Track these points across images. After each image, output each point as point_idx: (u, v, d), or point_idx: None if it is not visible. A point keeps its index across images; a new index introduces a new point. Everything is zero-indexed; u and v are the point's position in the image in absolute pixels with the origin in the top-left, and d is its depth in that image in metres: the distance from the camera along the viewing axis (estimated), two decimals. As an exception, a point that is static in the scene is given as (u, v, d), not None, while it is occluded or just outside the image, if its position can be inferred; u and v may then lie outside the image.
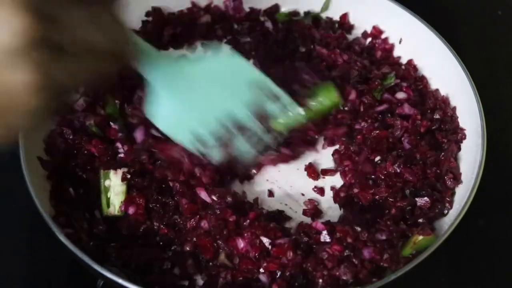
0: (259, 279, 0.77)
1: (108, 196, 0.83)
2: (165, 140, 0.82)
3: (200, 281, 0.78)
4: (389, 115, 0.91)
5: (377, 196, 0.84)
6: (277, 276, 0.77)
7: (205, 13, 1.04)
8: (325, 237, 0.80)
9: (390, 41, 1.03)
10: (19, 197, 0.81)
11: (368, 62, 0.99)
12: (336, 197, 0.86)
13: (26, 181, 0.77)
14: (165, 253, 0.79)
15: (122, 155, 0.86)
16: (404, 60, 1.01)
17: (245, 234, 0.78)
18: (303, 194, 0.87)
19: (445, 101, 0.94)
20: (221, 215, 0.79)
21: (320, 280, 0.76)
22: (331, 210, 0.86)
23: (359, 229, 0.80)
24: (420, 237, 0.79)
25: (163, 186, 0.83)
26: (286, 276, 0.76)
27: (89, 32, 0.52)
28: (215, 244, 0.79)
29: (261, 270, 0.77)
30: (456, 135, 0.89)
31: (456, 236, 0.76)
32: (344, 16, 1.05)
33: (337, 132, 0.90)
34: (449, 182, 0.85)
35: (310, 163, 0.90)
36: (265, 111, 0.82)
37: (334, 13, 1.06)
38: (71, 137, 0.87)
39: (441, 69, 0.95)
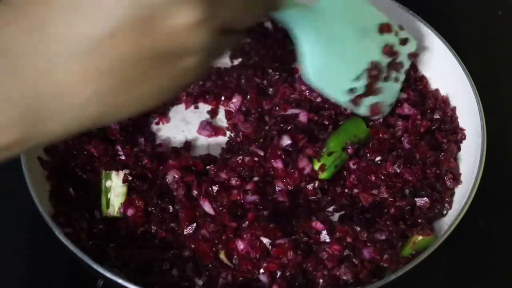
0: (259, 279, 0.77)
1: (108, 197, 0.83)
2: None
3: (200, 281, 0.78)
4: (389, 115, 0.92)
5: (378, 198, 0.84)
6: (277, 276, 0.77)
7: None
8: (324, 237, 0.79)
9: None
10: (19, 197, 0.81)
11: None
12: (336, 197, 0.86)
13: (26, 181, 0.77)
14: (165, 254, 0.79)
15: (122, 157, 0.86)
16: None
17: (245, 236, 0.78)
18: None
19: (445, 101, 0.94)
20: (220, 220, 0.79)
21: (321, 280, 0.76)
22: (331, 209, 0.86)
23: (358, 229, 0.80)
24: (420, 237, 0.79)
25: (164, 190, 0.83)
26: (286, 276, 0.76)
27: None
28: (214, 249, 0.79)
29: (261, 270, 0.77)
30: (456, 135, 0.89)
31: (456, 236, 0.76)
32: None
33: None
34: (449, 183, 0.85)
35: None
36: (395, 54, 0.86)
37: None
38: (70, 137, 0.87)
39: (441, 69, 0.95)
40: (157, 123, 0.94)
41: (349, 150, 0.86)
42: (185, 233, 0.79)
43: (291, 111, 0.91)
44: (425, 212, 0.83)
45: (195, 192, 0.82)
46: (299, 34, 0.76)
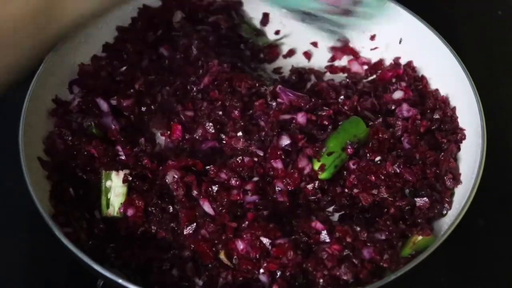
0: (259, 279, 0.77)
1: (108, 197, 0.82)
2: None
3: (199, 281, 0.78)
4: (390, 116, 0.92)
5: (378, 198, 0.84)
6: (277, 276, 0.77)
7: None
8: (324, 237, 0.80)
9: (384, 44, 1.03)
10: (19, 197, 0.81)
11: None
12: (336, 197, 0.86)
13: (26, 181, 0.77)
14: (165, 254, 0.79)
15: (123, 157, 0.86)
16: (403, 60, 1.01)
17: (244, 236, 0.78)
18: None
19: (445, 101, 0.94)
20: (220, 220, 0.79)
21: (321, 280, 0.76)
22: (331, 209, 0.86)
23: (358, 228, 0.80)
24: (420, 237, 0.79)
25: (164, 190, 0.83)
26: (286, 276, 0.76)
27: None
28: (214, 249, 0.79)
29: (261, 270, 0.77)
30: (456, 135, 0.89)
31: (456, 236, 0.76)
32: None
33: None
34: (449, 183, 0.85)
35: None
36: None
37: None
38: (70, 138, 0.87)
39: (441, 69, 0.95)
40: None
41: (348, 150, 0.86)
42: (185, 233, 0.79)
43: (284, 116, 0.90)
44: (425, 212, 0.83)
45: (195, 192, 0.82)
46: None
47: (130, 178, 0.83)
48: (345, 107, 0.92)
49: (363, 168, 0.85)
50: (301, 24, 1.03)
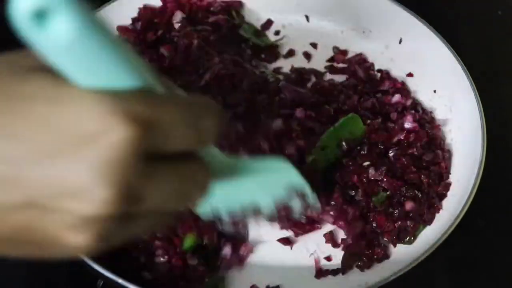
0: None
1: None
2: None
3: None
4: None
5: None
6: None
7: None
8: None
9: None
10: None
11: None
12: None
13: None
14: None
15: None
16: (404, 60, 1.01)
17: None
18: None
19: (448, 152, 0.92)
20: None
21: None
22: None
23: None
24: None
25: None
26: None
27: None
28: None
29: None
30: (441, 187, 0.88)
31: (456, 236, 0.76)
32: None
33: None
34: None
35: None
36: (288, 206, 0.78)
37: (333, 13, 1.06)
38: None
39: (441, 69, 0.95)
40: None
41: (343, 147, 0.86)
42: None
43: (284, 111, 0.90)
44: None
45: None
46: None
47: None
48: (345, 106, 0.92)
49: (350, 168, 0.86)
50: (301, 26, 1.04)
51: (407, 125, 0.91)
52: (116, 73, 0.40)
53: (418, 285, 0.86)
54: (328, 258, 0.83)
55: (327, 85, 0.96)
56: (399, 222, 0.83)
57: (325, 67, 1.03)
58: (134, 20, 1.01)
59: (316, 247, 0.84)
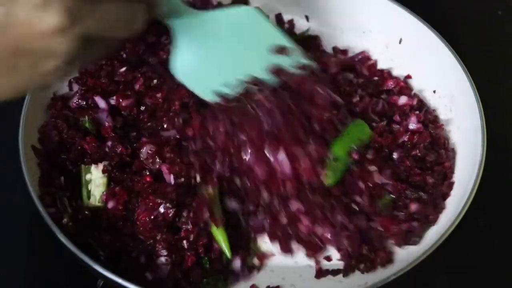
0: None
1: (89, 189, 0.84)
2: None
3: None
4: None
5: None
6: None
7: None
8: None
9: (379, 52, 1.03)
10: (20, 198, 0.82)
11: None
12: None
13: (21, 164, 0.79)
14: (134, 242, 0.80)
15: (107, 149, 0.87)
16: (404, 60, 1.01)
17: None
18: None
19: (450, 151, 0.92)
20: None
21: None
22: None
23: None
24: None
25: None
26: None
27: None
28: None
29: None
30: (445, 186, 0.88)
31: (456, 236, 0.76)
32: None
33: None
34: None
35: None
36: (281, 67, 0.85)
37: (333, 13, 1.06)
38: (65, 131, 0.88)
39: (441, 69, 0.95)
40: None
41: (354, 155, 0.85)
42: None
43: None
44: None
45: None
46: (176, 29, 0.79)
47: (110, 168, 0.84)
48: (357, 108, 0.92)
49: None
50: (301, 26, 1.05)
51: (412, 126, 0.91)
52: None
53: (418, 285, 0.86)
54: (328, 258, 0.83)
55: (342, 82, 0.96)
56: (406, 224, 0.82)
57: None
58: None
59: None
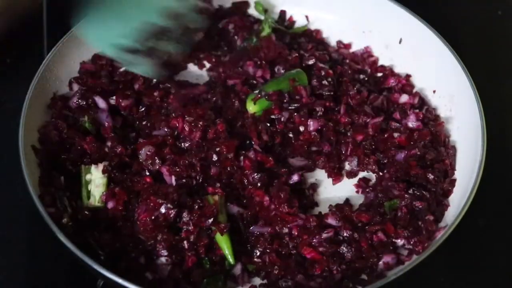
0: None
1: (89, 189, 0.84)
2: None
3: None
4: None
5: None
6: None
7: None
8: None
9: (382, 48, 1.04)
10: (20, 198, 0.82)
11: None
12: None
13: (21, 164, 0.79)
14: (134, 243, 0.80)
15: (106, 149, 0.87)
16: (404, 60, 1.01)
17: None
18: None
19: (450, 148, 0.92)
20: None
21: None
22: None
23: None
24: None
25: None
26: None
27: None
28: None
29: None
30: (447, 184, 0.88)
31: (456, 236, 0.76)
32: None
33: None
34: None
35: None
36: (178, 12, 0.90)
37: (333, 13, 1.06)
38: (65, 131, 0.88)
39: (441, 69, 0.95)
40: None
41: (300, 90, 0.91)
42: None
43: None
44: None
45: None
46: None
47: (110, 169, 0.84)
48: (353, 100, 0.93)
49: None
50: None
51: (411, 124, 0.91)
52: None
53: (418, 285, 0.85)
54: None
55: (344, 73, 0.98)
56: (413, 227, 0.82)
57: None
58: None
59: None
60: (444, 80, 0.96)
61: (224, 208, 0.82)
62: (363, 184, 0.89)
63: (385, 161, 0.89)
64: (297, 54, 0.98)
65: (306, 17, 1.07)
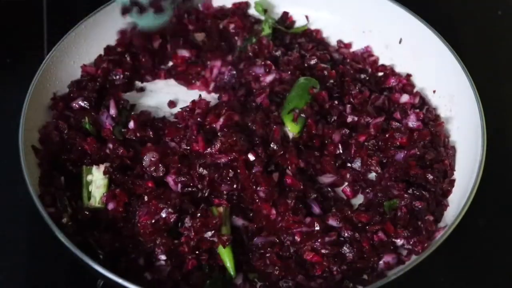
0: None
1: (90, 190, 0.84)
2: None
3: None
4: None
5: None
6: None
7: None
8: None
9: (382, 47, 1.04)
10: (20, 198, 0.82)
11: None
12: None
13: (21, 164, 0.80)
14: (133, 244, 0.80)
15: (107, 151, 0.87)
16: (404, 60, 1.01)
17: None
18: None
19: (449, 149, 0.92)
20: None
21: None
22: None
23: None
24: None
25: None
26: None
27: None
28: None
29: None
30: (446, 184, 0.88)
31: (456, 236, 0.76)
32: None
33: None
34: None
35: None
36: None
37: (333, 13, 1.06)
38: (66, 131, 0.88)
39: (441, 69, 0.95)
40: None
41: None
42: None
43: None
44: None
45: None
46: None
47: (111, 170, 0.84)
48: (355, 100, 0.93)
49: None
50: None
51: (411, 124, 0.91)
52: None
53: (418, 285, 0.85)
54: None
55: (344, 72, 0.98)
56: (412, 227, 0.82)
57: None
58: None
59: None
60: (444, 80, 0.96)
61: (228, 220, 0.81)
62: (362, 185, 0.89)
63: (385, 161, 0.89)
64: (298, 54, 0.97)
65: (306, 17, 1.07)
